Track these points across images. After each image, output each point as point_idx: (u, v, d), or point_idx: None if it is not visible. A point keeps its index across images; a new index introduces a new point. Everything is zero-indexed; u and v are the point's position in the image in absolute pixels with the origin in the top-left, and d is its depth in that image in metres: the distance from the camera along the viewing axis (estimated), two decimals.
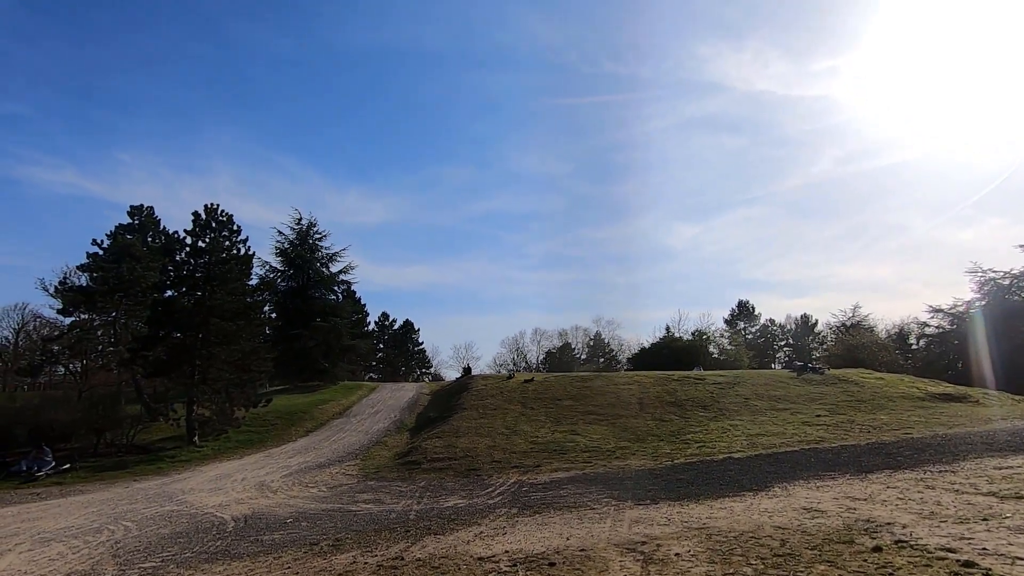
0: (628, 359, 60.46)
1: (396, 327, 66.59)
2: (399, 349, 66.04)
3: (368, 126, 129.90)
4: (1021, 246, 39.37)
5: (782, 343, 69.06)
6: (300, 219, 42.17)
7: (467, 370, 39.77)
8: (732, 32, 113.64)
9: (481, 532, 8.87)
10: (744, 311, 68.60)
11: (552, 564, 6.91)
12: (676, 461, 14.64)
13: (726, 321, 67.96)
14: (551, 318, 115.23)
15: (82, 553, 9.08)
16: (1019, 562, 5.84)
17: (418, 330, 67.34)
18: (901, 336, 53.55)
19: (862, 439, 15.98)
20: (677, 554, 6.94)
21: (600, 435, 18.58)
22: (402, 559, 7.61)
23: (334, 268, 42.78)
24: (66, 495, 15.04)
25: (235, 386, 24.19)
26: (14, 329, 45.58)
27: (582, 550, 7.44)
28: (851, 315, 58.53)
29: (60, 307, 30.64)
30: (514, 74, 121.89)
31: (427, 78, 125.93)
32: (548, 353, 68.91)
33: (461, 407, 23.36)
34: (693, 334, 58.34)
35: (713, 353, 54.44)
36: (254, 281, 31.55)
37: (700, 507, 9.66)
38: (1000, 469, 11.07)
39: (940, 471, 11.35)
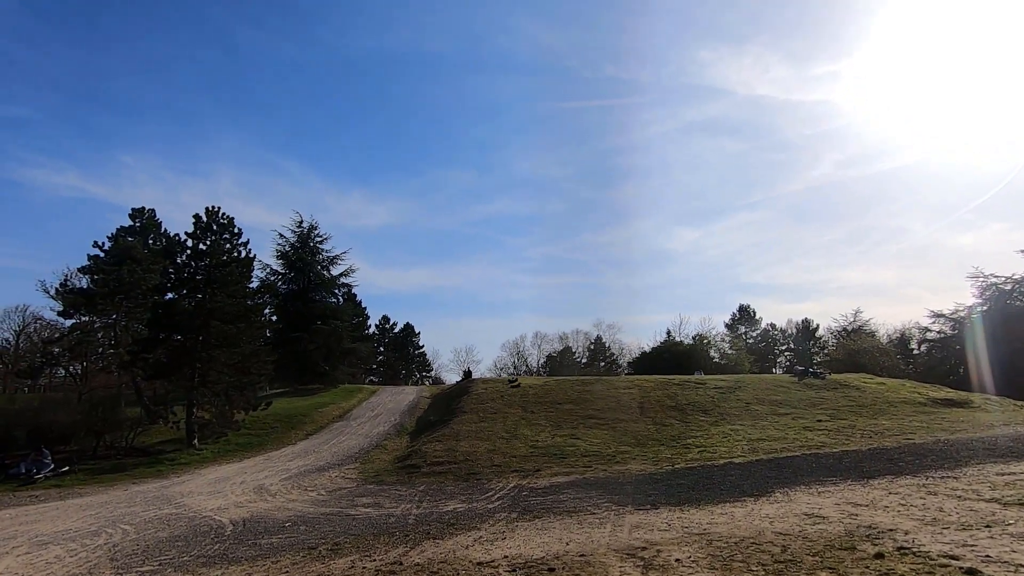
0: (629, 363, 60.40)
1: (397, 330, 66.58)
2: (399, 352, 65.99)
3: (370, 130, 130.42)
4: (1023, 251, 39.44)
5: (783, 348, 68.96)
6: (301, 222, 42.28)
7: (467, 374, 39.78)
8: (733, 37, 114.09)
9: (480, 537, 8.82)
10: (745, 315, 68.54)
11: (552, 570, 6.87)
12: (677, 466, 14.58)
13: (727, 325, 67.97)
14: (552, 322, 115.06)
15: (79, 557, 9.04)
16: (1022, 569, 5.80)
17: (419, 333, 67.41)
18: (902, 341, 53.47)
19: (864, 444, 15.91)
20: (677, 560, 6.90)
21: (600, 439, 18.53)
22: (401, 564, 7.57)
23: (335, 271, 42.87)
24: (65, 498, 15.01)
25: (235, 389, 24.17)
26: (15, 331, 45.68)
27: (582, 555, 7.40)
28: (852, 320, 58.52)
29: (61, 309, 30.71)
30: (516, 79, 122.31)
31: (430, 83, 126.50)
32: (549, 357, 68.83)
33: (461, 411, 23.31)
34: (694, 338, 58.37)
35: (714, 357, 54.39)
36: (255, 284, 31.66)
37: (701, 512, 9.61)
38: (1003, 475, 11.01)
39: (942, 477, 11.29)
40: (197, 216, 24.64)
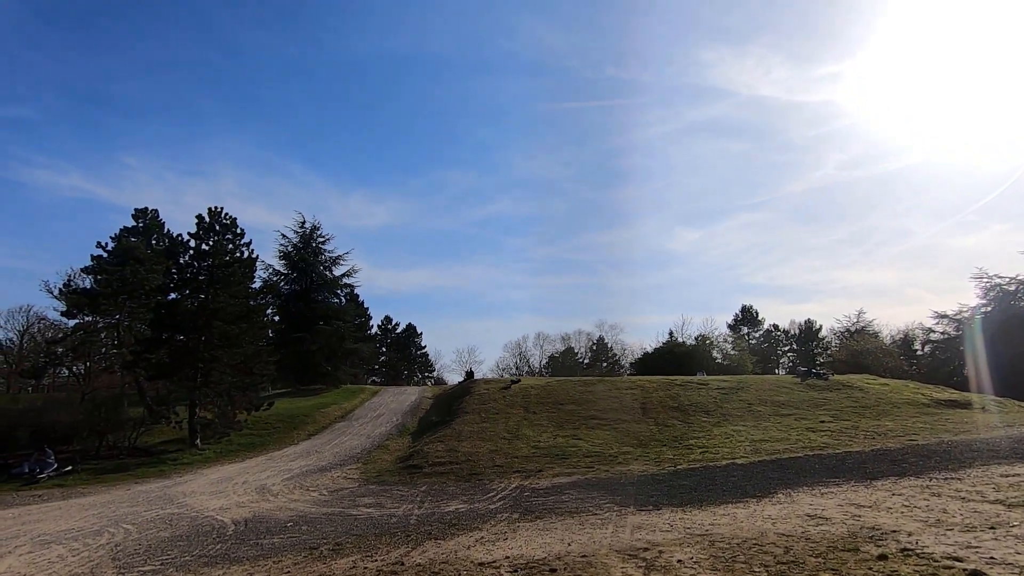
0: (631, 364, 60.33)
1: (399, 331, 66.60)
2: (402, 353, 66.01)
3: (372, 131, 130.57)
4: None
5: (786, 348, 68.81)
6: (304, 222, 42.28)
7: (469, 374, 39.76)
8: (735, 38, 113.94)
9: (482, 537, 8.82)
10: (747, 316, 68.40)
11: (553, 570, 6.86)
12: (679, 467, 14.55)
13: (729, 326, 67.81)
14: (554, 322, 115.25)
15: (82, 556, 9.06)
16: None
17: (421, 334, 67.40)
18: (906, 342, 53.29)
19: (867, 445, 15.86)
20: (679, 561, 6.88)
21: (602, 440, 18.50)
22: (402, 564, 7.56)
23: (337, 271, 42.82)
24: (67, 497, 15.04)
25: (237, 389, 24.20)
26: (18, 331, 45.78)
27: (583, 556, 7.38)
28: (855, 320, 58.36)
29: (64, 309, 30.76)
30: (518, 80, 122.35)
31: (432, 84, 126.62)
32: (551, 357, 68.84)
33: (463, 411, 23.30)
34: (696, 339, 58.23)
35: (716, 358, 54.25)
36: (257, 284, 31.71)
37: (703, 513, 9.59)
38: (1007, 477, 10.96)
39: (946, 478, 11.24)
40: (200, 216, 24.67)
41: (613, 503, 10.83)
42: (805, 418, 20.62)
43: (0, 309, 56.58)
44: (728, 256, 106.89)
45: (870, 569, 6.13)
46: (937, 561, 6.25)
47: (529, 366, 67.92)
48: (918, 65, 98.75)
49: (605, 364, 66.61)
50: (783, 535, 7.82)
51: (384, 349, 64.36)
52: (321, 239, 42.25)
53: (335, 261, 42.63)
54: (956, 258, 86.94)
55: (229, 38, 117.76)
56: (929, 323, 45.71)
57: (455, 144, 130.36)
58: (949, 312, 41.90)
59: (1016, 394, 26.51)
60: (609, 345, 69.34)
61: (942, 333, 43.55)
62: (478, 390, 26.97)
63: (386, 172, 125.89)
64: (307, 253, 41.44)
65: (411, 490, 13.78)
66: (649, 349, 56.97)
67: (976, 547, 6.66)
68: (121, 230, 37.59)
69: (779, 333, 68.82)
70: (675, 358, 45.67)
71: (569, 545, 8.00)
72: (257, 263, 27.53)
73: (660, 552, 7.31)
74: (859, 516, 8.64)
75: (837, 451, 15.28)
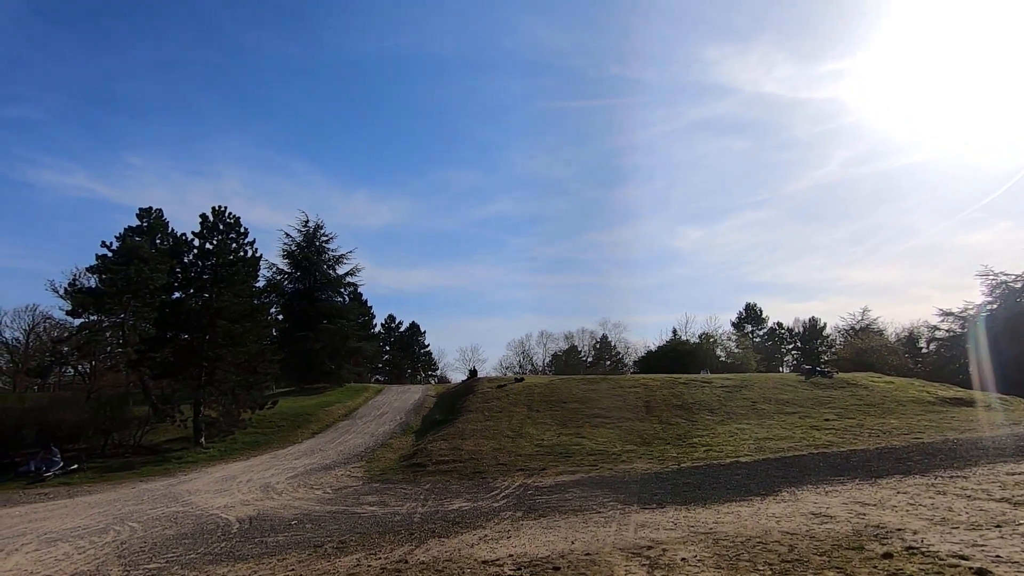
0: (634, 362, 60.29)
1: (402, 329, 66.66)
2: (405, 351, 66.07)
3: (375, 130, 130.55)
4: None
5: (790, 346, 68.56)
6: (307, 221, 42.32)
7: (473, 372, 39.77)
8: (738, 35, 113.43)
9: (486, 535, 8.82)
10: (751, 314, 68.20)
11: (557, 568, 6.85)
12: (683, 465, 14.53)
13: (733, 324, 67.59)
14: (557, 321, 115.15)
15: (88, 554, 9.11)
16: None
17: (424, 332, 67.42)
18: (911, 340, 53.05)
19: (872, 443, 15.80)
20: (683, 559, 6.87)
21: (606, 438, 18.49)
22: (406, 562, 7.58)
23: (341, 270, 42.87)
24: (73, 495, 15.13)
25: (241, 388, 24.29)
26: (24, 330, 45.99)
27: (587, 554, 7.38)
28: (860, 318, 58.13)
29: (69, 309, 30.86)
30: (520, 79, 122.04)
31: (433, 83, 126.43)
32: (554, 356, 68.81)
33: (467, 410, 23.33)
34: (700, 337, 58.09)
35: (720, 356, 54.12)
36: (261, 283, 31.84)
37: (707, 512, 9.57)
38: (1013, 475, 10.90)
39: (951, 476, 11.19)
40: (204, 216, 24.75)
41: (617, 501, 10.82)
42: (809, 416, 20.56)
43: (6, 309, 56.93)
44: (732, 254, 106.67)
45: (875, 567, 6.11)
46: (943, 559, 6.22)
47: (532, 364, 67.94)
48: (922, 61, 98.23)
49: (608, 362, 66.55)
50: (787, 533, 7.79)
51: (388, 348, 64.43)
52: (324, 238, 42.33)
53: (338, 260, 42.70)
54: (962, 256, 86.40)
55: (231, 38, 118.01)
56: (934, 321, 45.63)
57: (457, 143, 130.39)
58: (954, 310, 41.77)
59: (1021, 392, 26.38)
60: (612, 343, 69.30)
61: (947, 331, 43.37)
62: (481, 388, 27.00)
63: (388, 171, 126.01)
64: (310, 252, 41.50)
65: (415, 488, 13.81)
66: (652, 347, 57.00)
67: (982, 545, 6.63)
68: (125, 229, 37.78)
69: (783, 331, 68.61)
70: (679, 356, 45.61)
71: (573, 543, 8.00)
72: (261, 262, 27.66)
73: (664, 550, 7.30)
74: (864, 514, 8.61)
75: (842, 449, 15.23)
